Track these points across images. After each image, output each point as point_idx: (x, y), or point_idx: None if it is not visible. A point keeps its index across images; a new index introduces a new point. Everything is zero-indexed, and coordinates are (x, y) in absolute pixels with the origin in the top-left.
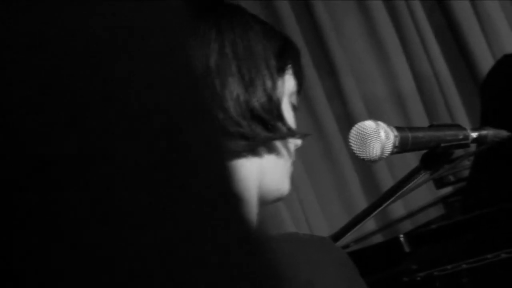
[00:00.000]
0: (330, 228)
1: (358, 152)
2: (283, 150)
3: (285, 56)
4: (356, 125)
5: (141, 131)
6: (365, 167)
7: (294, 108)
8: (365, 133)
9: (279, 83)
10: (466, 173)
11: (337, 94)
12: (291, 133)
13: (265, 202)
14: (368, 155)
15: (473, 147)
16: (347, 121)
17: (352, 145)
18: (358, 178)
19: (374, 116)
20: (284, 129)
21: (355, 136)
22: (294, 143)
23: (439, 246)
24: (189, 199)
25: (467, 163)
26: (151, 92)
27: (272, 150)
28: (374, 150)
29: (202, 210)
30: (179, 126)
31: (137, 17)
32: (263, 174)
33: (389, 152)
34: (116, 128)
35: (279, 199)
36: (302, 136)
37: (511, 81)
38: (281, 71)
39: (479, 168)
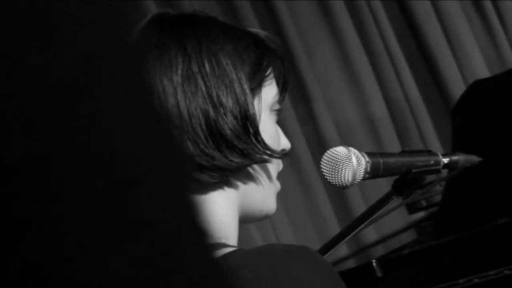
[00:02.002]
0: None
1: (329, 178)
2: (263, 172)
3: (261, 69)
4: (328, 151)
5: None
6: (338, 192)
7: (279, 112)
8: (336, 159)
9: (256, 101)
10: (438, 198)
11: (309, 119)
12: (271, 155)
13: (250, 221)
14: (339, 181)
15: (445, 172)
16: (320, 146)
17: (324, 171)
18: (331, 203)
19: (347, 141)
20: (262, 152)
21: (327, 162)
22: (277, 162)
23: (412, 271)
24: (150, 233)
25: (439, 188)
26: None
27: (250, 174)
28: (346, 176)
29: (164, 245)
30: (140, 162)
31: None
32: (243, 197)
33: (360, 178)
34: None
35: (265, 218)
36: (282, 155)
37: (482, 106)
38: (257, 88)
39: (451, 193)
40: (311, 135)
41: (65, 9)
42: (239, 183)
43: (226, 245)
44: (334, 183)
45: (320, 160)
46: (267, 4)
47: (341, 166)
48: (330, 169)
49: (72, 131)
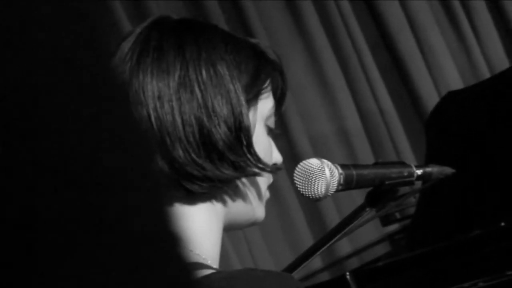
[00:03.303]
0: (276, 267)
1: (303, 190)
2: (253, 184)
3: (259, 81)
4: (301, 163)
5: (68, 169)
6: (311, 204)
7: (271, 130)
8: (310, 171)
9: (251, 113)
10: (412, 210)
11: (282, 132)
12: (262, 168)
13: (236, 229)
14: (313, 193)
15: (418, 184)
16: (293, 159)
17: (297, 183)
18: (304, 216)
19: (320, 154)
20: (254, 165)
21: (300, 174)
22: (268, 175)
23: (386, 284)
24: (121, 237)
25: (413, 200)
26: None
27: (239, 186)
28: (319, 188)
29: (136, 250)
30: (113, 170)
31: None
32: (230, 208)
33: (334, 190)
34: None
35: (252, 225)
36: (274, 169)
37: (456, 117)
38: (253, 100)
39: (424, 205)
40: (284, 148)
41: (28, 8)
42: (228, 195)
43: (204, 265)
44: (307, 195)
45: (293, 172)
46: (239, 14)
47: (314, 178)
48: (303, 181)
49: (44, 139)
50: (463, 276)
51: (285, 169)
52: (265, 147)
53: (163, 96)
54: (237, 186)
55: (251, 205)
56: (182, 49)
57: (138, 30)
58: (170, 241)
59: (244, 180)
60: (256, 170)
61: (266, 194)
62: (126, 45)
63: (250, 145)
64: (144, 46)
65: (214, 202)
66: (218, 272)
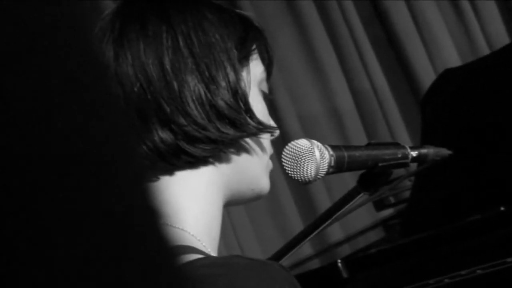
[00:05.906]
0: (264, 254)
1: (291, 172)
2: (255, 147)
3: (248, 42)
4: (289, 144)
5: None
6: (301, 187)
7: (266, 95)
8: (298, 153)
9: (244, 74)
10: (407, 194)
11: (271, 112)
12: (262, 128)
13: (242, 202)
14: (302, 176)
15: (414, 167)
16: (282, 140)
17: (285, 165)
18: (294, 200)
19: (310, 134)
20: (254, 124)
21: (288, 155)
22: (269, 136)
23: (380, 271)
24: (98, 214)
25: (408, 183)
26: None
27: (242, 148)
28: (308, 171)
29: (113, 224)
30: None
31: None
32: (233, 175)
33: (324, 173)
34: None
35: (257, 199)
36: (274, 129)
37: (453, 96)
38: (244, 60)
39: (420, 188)
40: None
41: None
42: (231, 159)
43: (194, 249)
44: (296, 178)
45: (281, 154)
46: None
47: (303, 160)
48: (292, 163)
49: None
50: (460, 263)
51: (273, 150)
52: (262, 110)
53: (153, 62)
54: (239, 148)
55: (254, 171)
56: (166, 15)
57: (116, 4)
58: (150, 217)
59: (246, 141)
60: (257, 129)
61: (269, 163)
62: (107, 18)
63: (247, 103)
64: (126, 16)
65: (218, 166)
66: (202, 259)
